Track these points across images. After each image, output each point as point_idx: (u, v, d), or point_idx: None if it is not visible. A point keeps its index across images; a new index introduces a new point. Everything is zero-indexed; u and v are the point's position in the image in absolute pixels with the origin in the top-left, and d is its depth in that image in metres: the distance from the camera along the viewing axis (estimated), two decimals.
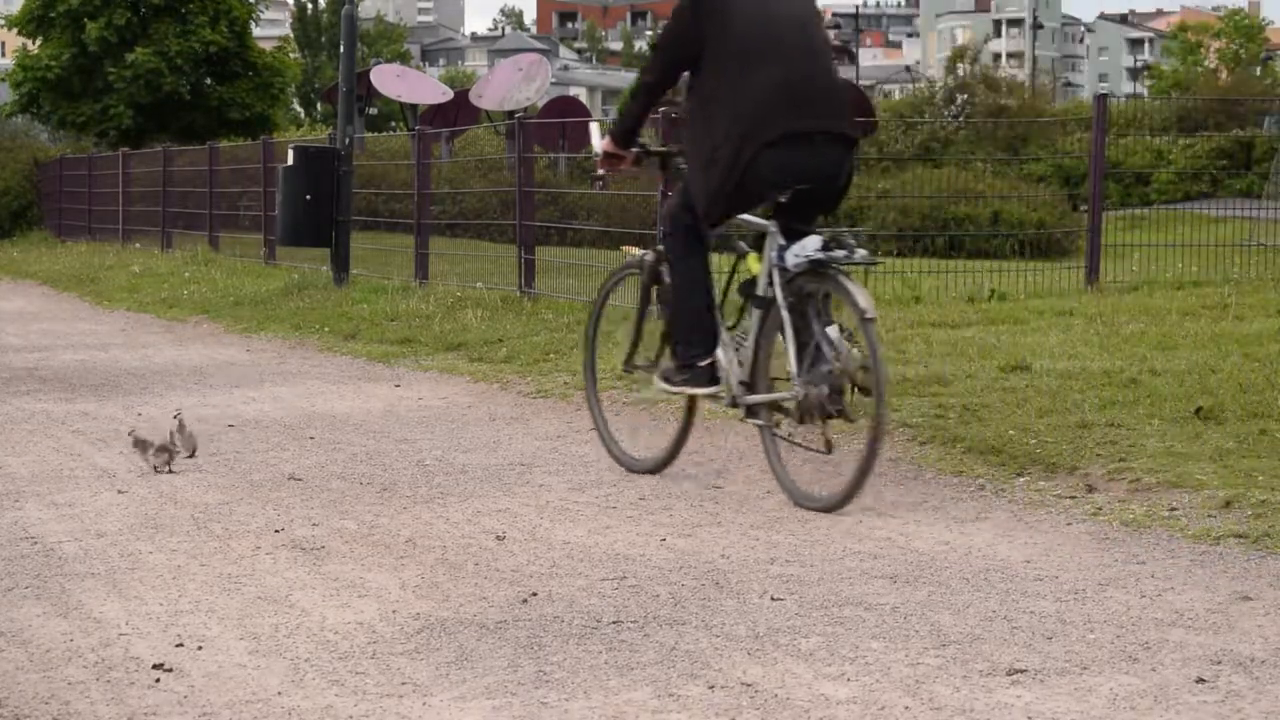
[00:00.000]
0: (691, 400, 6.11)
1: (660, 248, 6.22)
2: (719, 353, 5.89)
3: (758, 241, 5.84)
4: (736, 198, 5.68)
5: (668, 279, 6.10)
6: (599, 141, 6.23)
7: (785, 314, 5.58)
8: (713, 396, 5.94)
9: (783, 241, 5.64)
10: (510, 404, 8.30)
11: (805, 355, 5.52)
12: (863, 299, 5.35)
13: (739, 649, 3.90)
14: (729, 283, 6.04)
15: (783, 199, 5.63)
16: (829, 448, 5.64)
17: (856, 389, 6.09)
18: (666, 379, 6.03)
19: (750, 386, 5.79)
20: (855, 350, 5.43)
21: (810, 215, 5.75)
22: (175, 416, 6.81)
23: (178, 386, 9.29)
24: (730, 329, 5.97)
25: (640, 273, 6.36)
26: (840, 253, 5.49)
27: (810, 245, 5.52)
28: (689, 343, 5.90)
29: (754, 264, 5.91)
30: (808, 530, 5.20)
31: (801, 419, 5.57)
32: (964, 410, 6.87)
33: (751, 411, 5.80)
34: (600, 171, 6.40)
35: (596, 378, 6.71)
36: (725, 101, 5.61)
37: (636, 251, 6.49)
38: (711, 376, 5.88)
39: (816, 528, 5.24)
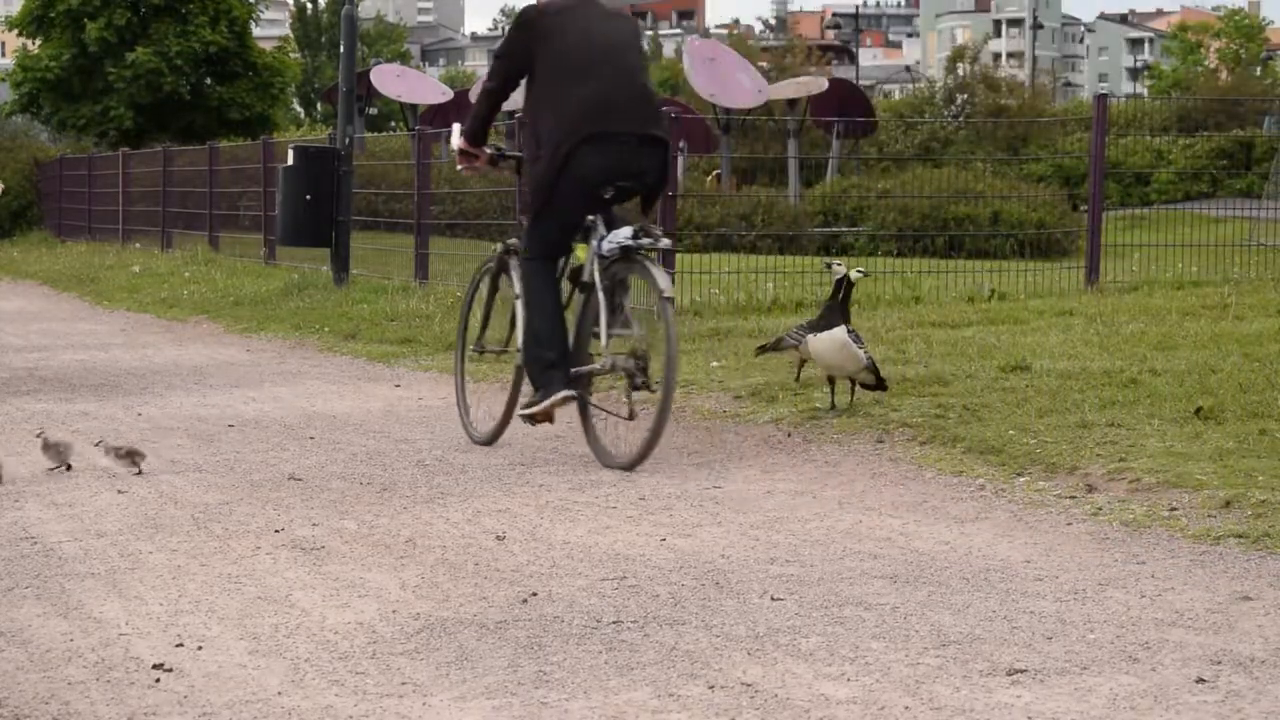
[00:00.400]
0: (518, 376, 6.88)
1: (511, 242, 7.02)
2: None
3: (587, 234, 6.61)
4: (560, 189, 6.47)
5: (514, 273, 6.86)
6: (456, 139, 6.88)
7: (601, 295, 6.42)
8: (569, 399, 6.51)
9: (604, 232, 6.50)
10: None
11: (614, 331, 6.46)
12: (663, 280, 6.26)
13: (739, 649, 3.90)
14: (562, 270, 6.77)
15: (607, 195, 6.50)
16: (631, 415, 6.44)
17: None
18: (528, 408, 6.62)
19: (573, 361, 6.60)
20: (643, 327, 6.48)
21: (647, 199, 6.71)
22: (38, 435, 6.70)
23: (178, 386, 9.29)
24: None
25: (494, 265, 7.18)
26: (647, 240, 6.40)
27: (622, 234, 6.42)
28: (543, 367, 6.55)
29: (582, 253, 6.66)
30: (808, 530, 5.21)
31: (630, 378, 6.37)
32: (964, 410, 6.88)
33: (572, 382, 6.51)
34: (460, 167, 7.05)
35: (465, 358, 7.50)
36: (552, 110, 6.50)
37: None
38: (565, 380, 6.51)
39: (817, 528, 5.24)
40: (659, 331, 6.30)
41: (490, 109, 6.77)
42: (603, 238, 6.46)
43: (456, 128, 6.94)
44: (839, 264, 7.41)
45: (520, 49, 6.60)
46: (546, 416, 6.55)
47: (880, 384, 7.17)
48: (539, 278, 6.59)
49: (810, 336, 7.09)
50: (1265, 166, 21.91)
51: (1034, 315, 10.38)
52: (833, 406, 7.18)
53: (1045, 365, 7.87)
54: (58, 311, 15.71)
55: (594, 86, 6.45)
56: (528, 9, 6.69)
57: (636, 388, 6.32)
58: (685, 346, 9.48)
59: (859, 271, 7.30)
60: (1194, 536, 4.93)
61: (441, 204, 16.98)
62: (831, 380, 7.22)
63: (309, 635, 4.08)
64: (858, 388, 7.22)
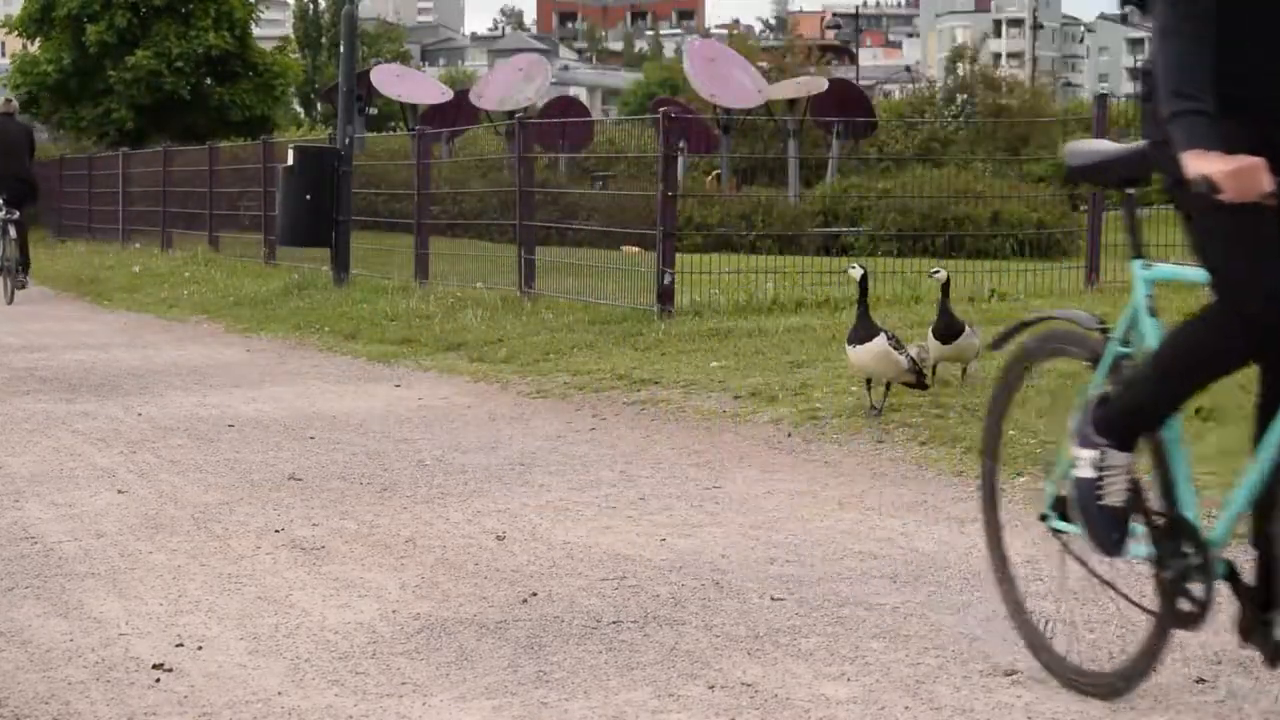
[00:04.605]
0: None
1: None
2: None
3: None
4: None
5: None
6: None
7: (12, 231, 15.59)
8: None
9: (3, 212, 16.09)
10: (510, 404, 8.30)
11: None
12: (14, 231, 15.90)
13: (739, 649, 3.90)
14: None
15: (6, 196, 15.98)
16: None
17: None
18: None
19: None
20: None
21: (19, 204, 16.03)
22: None
23: (178, 386, 9.29)
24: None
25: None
26: (7, 216, 15.72)
27: (2, 212, 16.09)
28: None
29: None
30: (808, 530, 5.21)
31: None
32: (964, 410, 6.87)
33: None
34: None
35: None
36: None
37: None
38: None
39: (817, 528, 5.24)
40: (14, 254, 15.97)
41: None
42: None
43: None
44: (855, 267, 7.43)
45: None
46: None
47: (921, 384, 7.19)
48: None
49: (851, 348, 7.08)
50: None
51: None
52: (872, 407, 7.14)
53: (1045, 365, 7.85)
54: (58, 311, 15.70)
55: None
56: None
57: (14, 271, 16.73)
58: (685, 346, 9.49)
59: (936, 272, 7.72)
60: None
61: (441, 204, 16.99)
62: (868, 382, 7.20)
63: (309, 635, 4.08)
64: (894, 387, 7.22)
